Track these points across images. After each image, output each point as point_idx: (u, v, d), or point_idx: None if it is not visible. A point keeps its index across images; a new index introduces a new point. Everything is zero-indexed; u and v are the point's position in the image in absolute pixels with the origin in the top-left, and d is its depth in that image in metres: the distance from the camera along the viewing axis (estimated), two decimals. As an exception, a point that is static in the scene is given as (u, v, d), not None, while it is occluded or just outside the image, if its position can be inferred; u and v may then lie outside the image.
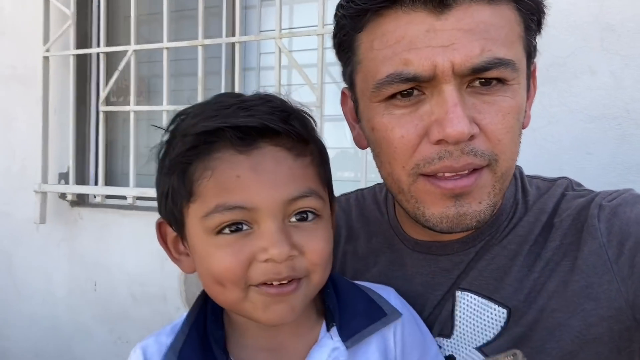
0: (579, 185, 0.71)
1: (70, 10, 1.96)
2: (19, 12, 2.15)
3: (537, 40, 0.63)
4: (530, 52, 0.61)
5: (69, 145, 2.00)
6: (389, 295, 0.65)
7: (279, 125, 0.54)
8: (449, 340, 0.66)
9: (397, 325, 0.62)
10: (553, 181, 0.71)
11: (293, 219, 0.55)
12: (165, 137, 0.59)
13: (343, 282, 0.64)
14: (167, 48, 1.77)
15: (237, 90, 1.82)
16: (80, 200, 2.08)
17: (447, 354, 0.66)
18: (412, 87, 0.58)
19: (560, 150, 1.40)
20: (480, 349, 0.63)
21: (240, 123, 0.53)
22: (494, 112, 0.57)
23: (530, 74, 0.64)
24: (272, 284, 0.54)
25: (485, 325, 0.64)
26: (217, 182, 0.53)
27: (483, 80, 0.57)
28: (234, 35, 1.77)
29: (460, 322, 0.66)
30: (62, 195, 2.04)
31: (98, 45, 2.02)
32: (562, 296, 0.61)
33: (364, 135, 0.67)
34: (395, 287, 0.70)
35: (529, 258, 0.65)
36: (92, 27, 2.05)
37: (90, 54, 2.03)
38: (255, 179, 0.53)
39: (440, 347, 0.66)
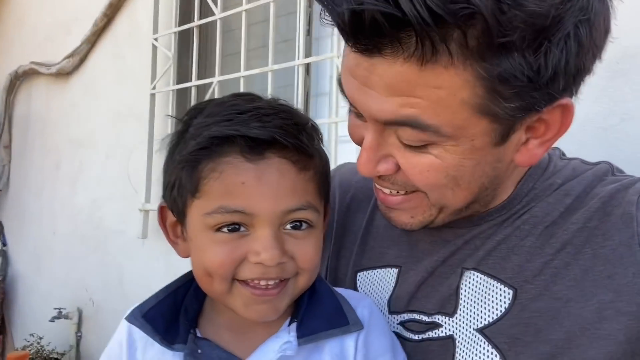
0: (621, 171, 0.65)
1: (171, 53, 2.26)
2: (135, 59, 2.52)
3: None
4: (497, 114, 0.51)
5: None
6: (358, 305, 0.65)
7: (288, 140, 0.57)
8: (451, 319, 0.63)
9: (360, 334, 0.62)
10: (592, 165, 0.66)
11: (288, 227, 0.59)
12: (179, 128, 0.63)
13: (322, 286, 0.66)
14: (243, 77, 1.94)
15: (307, 113, 1.92)
16: (176, 219, 2.30)
17: (447, 334, 0.63)
18: None
19: (636, 150, 1.23)
20: (481, 330, 0.60)
21: (251, 134, 0.56)
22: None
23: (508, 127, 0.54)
24: (258, 283, 0.58)
25: (489, 305, 0.61)
26: (223, 184, 0.57)
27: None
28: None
29: (464, 301, 0.63)
30: (162, 214, 2.29)
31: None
32: (580, 285, 0.56)
33: None
34: (399, 251, 0.71)
35: (541, 238, 0.60)
36: (192, 65, 2.31)
37: (189, 88, 2.28)
38: (258, 188, 0.56)
39: (440, 325, 0.64)
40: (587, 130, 1.23)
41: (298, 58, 1.81)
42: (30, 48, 3.29)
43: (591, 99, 1.23)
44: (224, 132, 0.57)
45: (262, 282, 0.58)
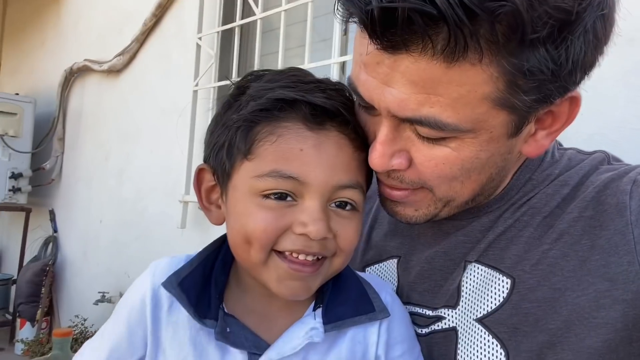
0: (617, 160, 0.66)
1: (214, 51, 2.36)
2: (180, 57, 2.63)
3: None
4: (515, 106, 0.52)
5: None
6: (382, 291, 0.65)
7: (350, 116, 0.58)
8: (454, 310, 0.65)
9: (383, 321, 0.62)
10: (588, 154, 0.67)
11: (333, 205, 0.58)
12: (233, 92, 0.62)
13: (346, 270, 0.64)
14: (280, 74, 2.01)
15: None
16: (213, 211, 2.39)
17: (450, 326, 0.64)
18: None
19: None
20: (480, 320, 0.62)
21: (317, 102, 0.56)
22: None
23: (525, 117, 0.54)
24: (297, 257, 0.56)
25: (488, 295, 0.62)
26: (280, 149, 0.55)
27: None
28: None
29: (465, 292, 0.64)
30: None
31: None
32: (577, 275, 0.57)
33: None
34: (401, 243, 0.73)
35: (540, 229, 0.62)
36: (233, 63, 2.40)
37: (230, 85, 2.37)
38: (316, 157, 0.55)
39: (444, 318, 0.65)
40: (622, 132, 1.21)
41: (334, 57, 1.86)
42: (84, 46, 3.49)
43: (627, 100, 1.21)
44: (289, 96, 0.56)
45: (302, 256, 0.56)
